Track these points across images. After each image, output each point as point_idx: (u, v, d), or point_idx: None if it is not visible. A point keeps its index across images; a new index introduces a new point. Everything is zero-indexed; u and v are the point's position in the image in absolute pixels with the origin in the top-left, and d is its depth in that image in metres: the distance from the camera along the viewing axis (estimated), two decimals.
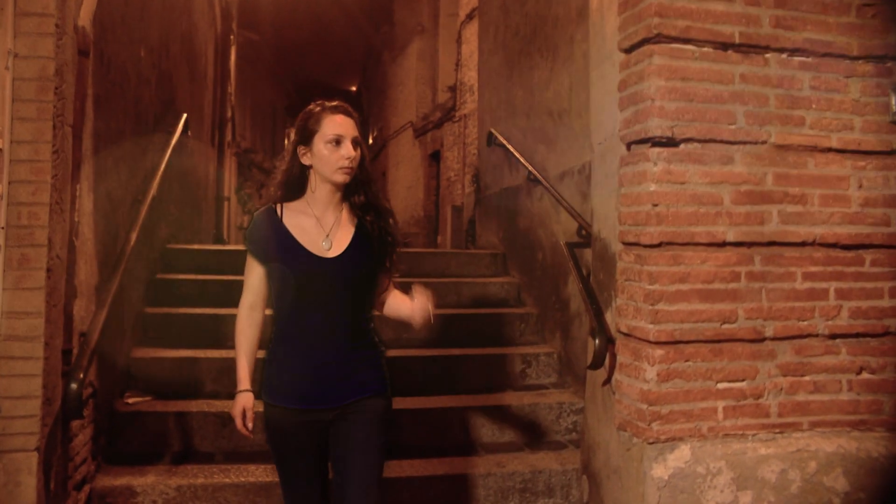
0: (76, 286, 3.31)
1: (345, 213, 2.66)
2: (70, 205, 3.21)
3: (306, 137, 2.60)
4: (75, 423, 3.32)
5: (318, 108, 2.61)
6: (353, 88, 22.87)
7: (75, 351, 3.25)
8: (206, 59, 8.39)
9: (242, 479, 3.75)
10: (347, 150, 2.54)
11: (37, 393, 2.89)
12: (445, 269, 6.39)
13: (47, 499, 3.02)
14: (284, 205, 2.63)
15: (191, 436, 4.13)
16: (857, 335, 3.30)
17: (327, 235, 2.59)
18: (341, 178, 2.57)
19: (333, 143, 2.54)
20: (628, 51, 3.26)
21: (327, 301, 2.56)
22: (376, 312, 2.78)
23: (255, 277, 2.65)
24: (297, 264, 2.54)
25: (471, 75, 10.98)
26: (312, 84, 21.85)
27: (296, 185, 2.66)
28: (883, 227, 3.30)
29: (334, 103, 2.62)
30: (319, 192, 2.62)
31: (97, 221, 3.66)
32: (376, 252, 2.65)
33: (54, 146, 2.96)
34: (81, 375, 3.09)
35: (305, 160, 2.62)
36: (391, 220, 2.72)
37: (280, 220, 2.59)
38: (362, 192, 2.66)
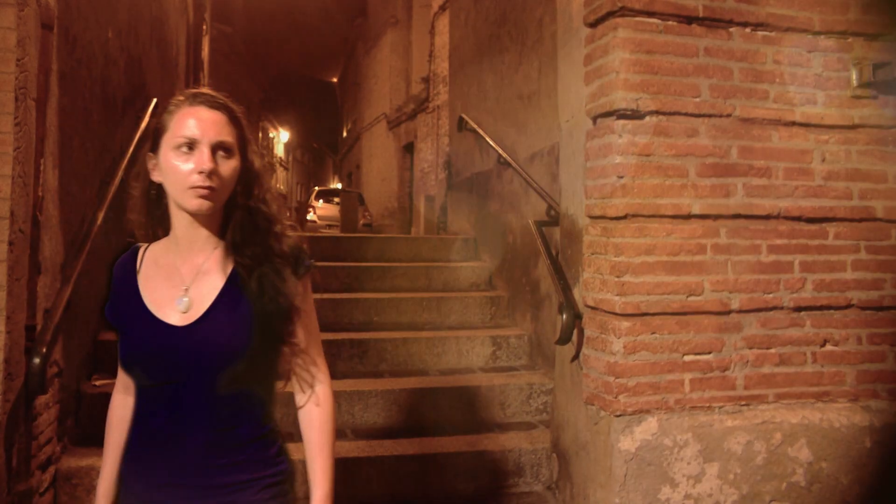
0: (41, 262, 3.26)
1: (216, 257, 1.72)
2: (34, 179, 3.16)
3: (155, 140, 1.70)
4: (39, 401, 3.28)
5: (179, 98, 1.71)
6: (335, 80, 22.67)
7: (39, 327, 3.21)
8: (178, 49, 8.31)
9: None
10: (200, 160, 1.60)
11: None
12: (417, 255, 6.40)
13: (9, 476, 2.98)
14: (151, 246, 1.79)
15: None
16: (821, 308, 3.34)
17: (186, 290, 1.68)
18: (193, 203, 1.62)
19: (184, 150, 1.62)
20: (593, 25, 3.28)
21: (176, 394, 1.63)
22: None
23: None
24: (137, 336, 1.67)
25: (444, 66, 10.98)
26: (289, 76, 21.73)
27: (160, 213, 1.77)
28: (845, 200, 3.34)
29: (196, 90, 1.72)
30: (177, 224, 1.71)
31: (63, 199, 3.61)
32: (259, 317, 1.67)
33: (16, 118, 2.93)
34: (45, 350, 3.06)
35: (155, 175, 1.71)
36: (286, 272, 1.71)
37: (134, 271, 1.75)
38: (246, 224, 1.72)
